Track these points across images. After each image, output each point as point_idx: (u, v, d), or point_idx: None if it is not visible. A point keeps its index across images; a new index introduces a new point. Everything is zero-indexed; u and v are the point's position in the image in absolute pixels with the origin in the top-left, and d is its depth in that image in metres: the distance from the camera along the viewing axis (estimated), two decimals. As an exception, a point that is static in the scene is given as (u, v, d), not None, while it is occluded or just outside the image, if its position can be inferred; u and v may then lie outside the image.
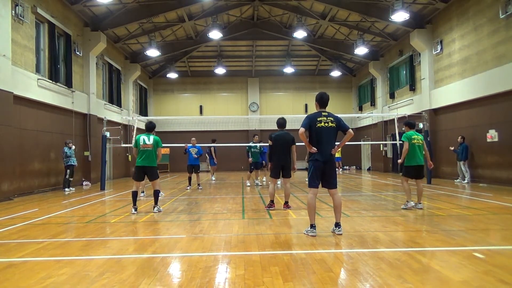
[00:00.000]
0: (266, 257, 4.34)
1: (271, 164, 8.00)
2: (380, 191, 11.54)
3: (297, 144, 8.00)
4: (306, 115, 5.58)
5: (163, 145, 8.27)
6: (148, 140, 7.69)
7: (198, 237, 5.43)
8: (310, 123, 5.40)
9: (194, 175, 13.47)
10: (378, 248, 4.71)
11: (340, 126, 5.46)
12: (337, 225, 5.47)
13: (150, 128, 8.00)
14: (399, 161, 7.91)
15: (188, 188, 13.09)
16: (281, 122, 8.14)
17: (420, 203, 7.75)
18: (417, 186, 7.83)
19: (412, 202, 7.72)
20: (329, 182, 5.44)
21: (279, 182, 12.47)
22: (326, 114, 5.46)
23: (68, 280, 3.66)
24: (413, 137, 7.67)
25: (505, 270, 3.76)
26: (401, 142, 8.05)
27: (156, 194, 7.94)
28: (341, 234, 5.36)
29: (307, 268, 3.92)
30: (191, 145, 13.10)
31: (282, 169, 7.94)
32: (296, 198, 9.85)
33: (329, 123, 5.39)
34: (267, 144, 8.32)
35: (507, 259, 4.19)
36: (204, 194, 11.60)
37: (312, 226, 5.39)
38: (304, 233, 5.45)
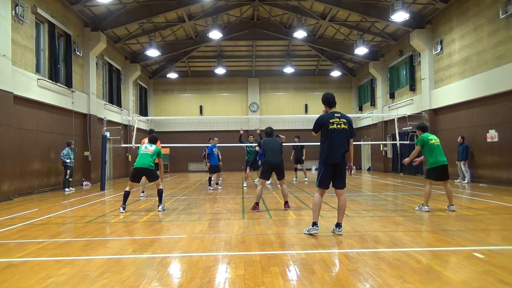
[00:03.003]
0: (266, 257, 4.34)
1: (262, 166, 8.13)
2: (380, 191, 11.54)
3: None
4: (318, 116, 5.53)
5: (163, 144, 8.39)
6: (150, 146, 8.09)
7: (198, 237, 5.42)
8: (322, 125, 5.39)
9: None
10: (378, 248, 4.71)
11: (350, 129, 5.45)
12: (338, 225, 5.48)
13: (153, 140, 8.35)
14: (406, 160, 7.62)
15: (211, 188, 12.92)
16: (269, 131, 8.33)
17: (452, 205, 7.40)
18: (445, 189, 7.49)
19: (427, 207, 7.41)
20: (339, 183, 5.46)
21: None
22: (339, 115, 5.42)
23: (68, 280, 3.66)
24: (429, 137, 7.45)
25: (505, 270, 3.76)
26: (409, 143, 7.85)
27: (159, 193, 8.12)
28: (341, 235, 5.37)
29: (307, 268, 3.92)
30: (212, 145, 12.94)
31: (275, 170, 7.92)
32: (296, 198, 9.84)
33: (342, 124, 5.36)
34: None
35: (507, 259, 4.19)
36: (204, 194, 11.60)
37: (315, 224, 5.41)
38: (305, 233, 5.46)
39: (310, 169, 24.07)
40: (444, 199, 9.11)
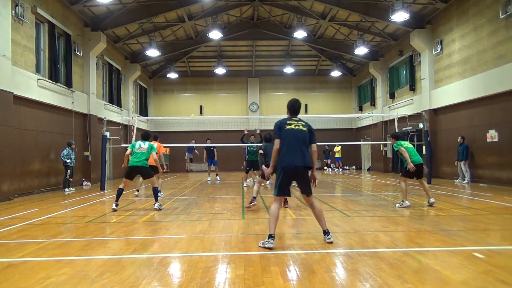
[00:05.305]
0: (266, 257, 4.34)
1: (263, 168, 8.33)
2: (380, 191, 11.54)
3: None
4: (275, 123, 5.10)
5: (164, 145, 8.45)
6: (143, 144, 8.22)
7: (198, 237, 5.42)
8: (280, 128, 4.97)
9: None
10: (378, 248, 4.71)
11: (310, 133, 5.02)
12: (326, 233, 4.96)
13: (145, 136, 8.49)
14: (410, 166, 7.80)
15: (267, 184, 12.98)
16: (268, 137, 8.68)
17: (431, 198, 8.00)
18: (422, 186, 8.15)
19: (407, 202, 7.96)
20: (303, 189, 4.96)
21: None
22: (297, 119, 5.09)
23: (68, 280, 3.66)
24: (402, 142, 8.14)
25: (505, 270, 3.76)
26: (395, 150, 8.26)
27: (154, 191, 8.22)
28: (331, 242, 4.89)
29: (307, 268, 3.92)
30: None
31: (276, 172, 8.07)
32: (296, 198, 9.84)
33: (300, 126, 4.99)
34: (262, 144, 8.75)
35: (507, 259, 4.19)
36: (204, 194, 11.61)
37: (270, 237, 4.75)
38: (260, 246, 4.77)
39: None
40: (444, 199, 9.16)
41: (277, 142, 4.94)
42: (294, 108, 5.19)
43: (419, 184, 8.34)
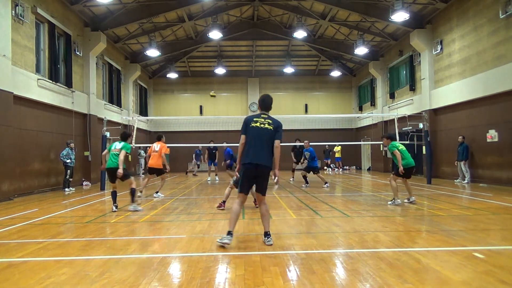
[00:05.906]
0: (266, 257, 4.34)
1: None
2: (380, 191, 11.54)
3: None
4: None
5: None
6: (118, 145, 8.02)
7: (198, 237, 5.42)
8: (246, 125, 4.98)
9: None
10: (378, 248, 4.71)
11: (275, 132, 4.94)
12: (266, 234, 4.93)
13: (123, 137, 8.23)
14: (401, 169, 8.17)
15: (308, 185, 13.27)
16: None
17: (412, 197, 8.52)
18: (406, 184, 8.58)
19: (399, 200, 8.23)
20: (259, 187, 5.00)
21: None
22: (266, 116, 5.05)
23: (68, 280, 3.66)
24: (397, 144, 8.42)
25: (505, 270, 3.76)
26: (390, 151, 8.47)
27: (131, 192, 7.94)
28: (271, 245, 4.83)
29: (307, 268, 3.92)
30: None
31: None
32: (296, 198, 9.85)
33: (266, 124, 4.94)
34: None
35: (507, 259, 4.19)
36: (204, 194, 11.60)
37: (229, 233, 4.79)
38: (218, 242, 4.81)
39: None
40: (444, 199, 9.17)
41: (242, 138, 4.97)
42: (264, 104, 5.15)
43: (409, 183, 8.66)
